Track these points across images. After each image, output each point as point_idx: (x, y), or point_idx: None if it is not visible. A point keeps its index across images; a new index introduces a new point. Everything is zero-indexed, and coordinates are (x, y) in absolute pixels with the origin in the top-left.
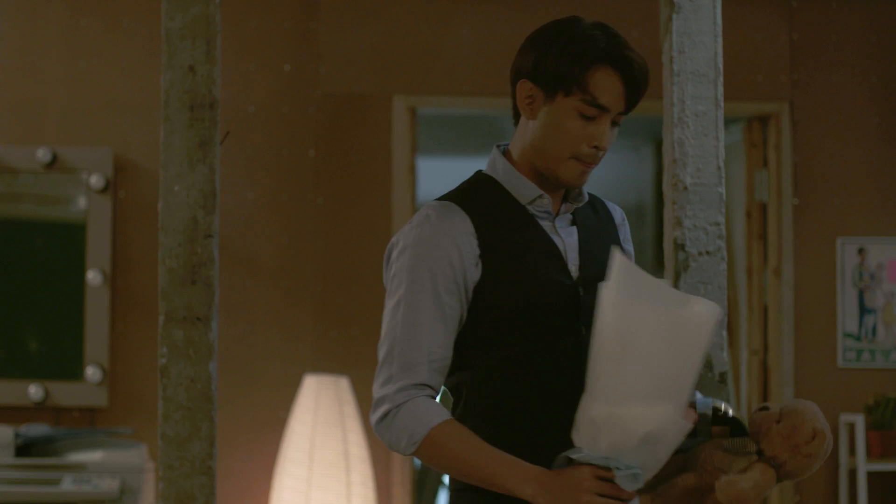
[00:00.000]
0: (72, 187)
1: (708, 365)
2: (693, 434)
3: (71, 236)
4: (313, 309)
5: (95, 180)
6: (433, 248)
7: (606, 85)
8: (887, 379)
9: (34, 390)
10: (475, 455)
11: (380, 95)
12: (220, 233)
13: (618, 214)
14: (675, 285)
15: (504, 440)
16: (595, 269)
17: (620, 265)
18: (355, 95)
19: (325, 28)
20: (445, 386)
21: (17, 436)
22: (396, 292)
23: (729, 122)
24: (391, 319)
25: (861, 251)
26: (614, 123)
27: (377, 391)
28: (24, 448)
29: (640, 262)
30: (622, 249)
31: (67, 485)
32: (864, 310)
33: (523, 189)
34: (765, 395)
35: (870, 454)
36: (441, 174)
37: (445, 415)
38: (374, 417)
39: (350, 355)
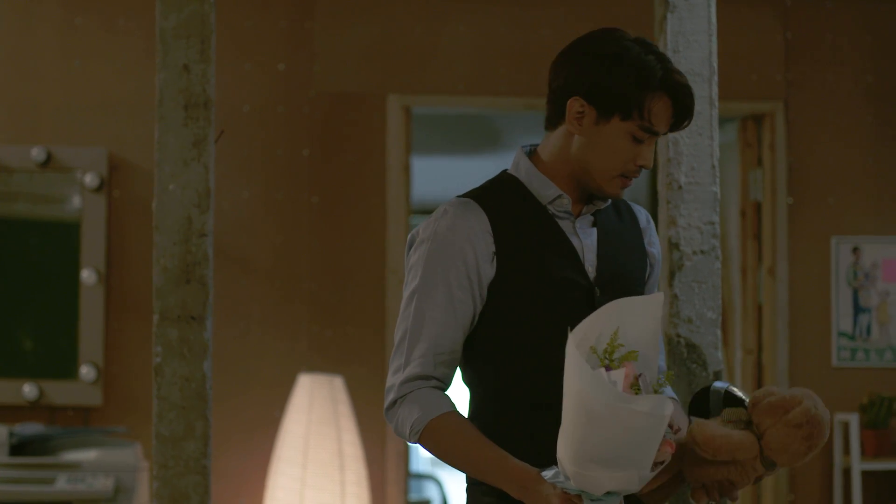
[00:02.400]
0: (66, 186)
1: (702, 364)
2: (706, 413)
3: (65, 235)
4: (308, 308)
5: (90, 179)
6: (448, 244)
7: (662, 112)
8: (881, 378)
9: (28, 389)
10: (470, 448)
11: (374, 94)
12: (214, 232)
13: (643, 217)
14: (670, 284)
15: (515, 437)
16: (613, 272)
17: (577, 366)
18: (350, 94)
19: (319, 27)
20: (463, 381)
21: (11, 435)
22: (411, 284)
23: (723, 121)
24: (404, 310)
25: (855, 250)
26: None
27: (388, 379)
28: (19, 447)
29: None
30: (645, 252)
31: (62, 484)
32: (858, 309)
33: (544, 189)
34: None
35: (864, 453)
36: (436, 173)
37: (447, 407)
38: (385, 405)
39: (344, 354)
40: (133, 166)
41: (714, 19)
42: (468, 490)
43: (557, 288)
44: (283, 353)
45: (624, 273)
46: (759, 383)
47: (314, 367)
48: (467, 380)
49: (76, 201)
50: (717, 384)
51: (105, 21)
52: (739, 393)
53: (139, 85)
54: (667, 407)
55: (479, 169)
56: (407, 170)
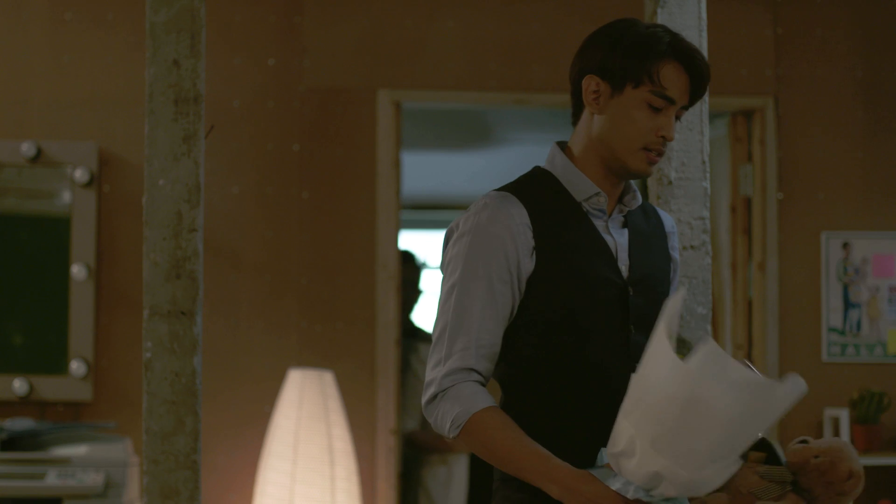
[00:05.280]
0: (56, 181)
1: None
2: None
3: (55, 230)
4: (298, 303)
5: (80, 174)
6: (489, 237)
7: (673, 78)
8: (871, 373)
9: (19, 384)
10: (511, 445)
11: (364, 89)
12: (204, 227)
13: (668, 223)
14: None
15: (548, 433)
16: (644, 272)
17: (710, 351)
18: (340, 89)
19: (309, 22)
20: (494, 377)
21: (1, 430)
22: (451, 278)
23: (713, 116)
24: (444, 304)
25: (845, 245)
26: (676, 117)
27: (428, 374)
28: (9, 442)
29: None
30: (669, 256)
31: (52, 479)
32: (848, 304)
33: (580, 185)
34: None
35: (855, 448)
36: (426, 169)
37: (489, 402)
38: (424, 399)
39: (335, 349)
40: (123, 161)
41: (704, 14)
42: (499, 485)
43: (594, 286)
44: (274, 348)
45: (654, 274)
46: None
47: (304, 363)
48: (499, 376)
49: (66, 196)
50: None
51: (94, 16)
52: (764, 437)
53: (129, 80)
54: (801, 384)
55: (470, 164)
56: (397, 165)
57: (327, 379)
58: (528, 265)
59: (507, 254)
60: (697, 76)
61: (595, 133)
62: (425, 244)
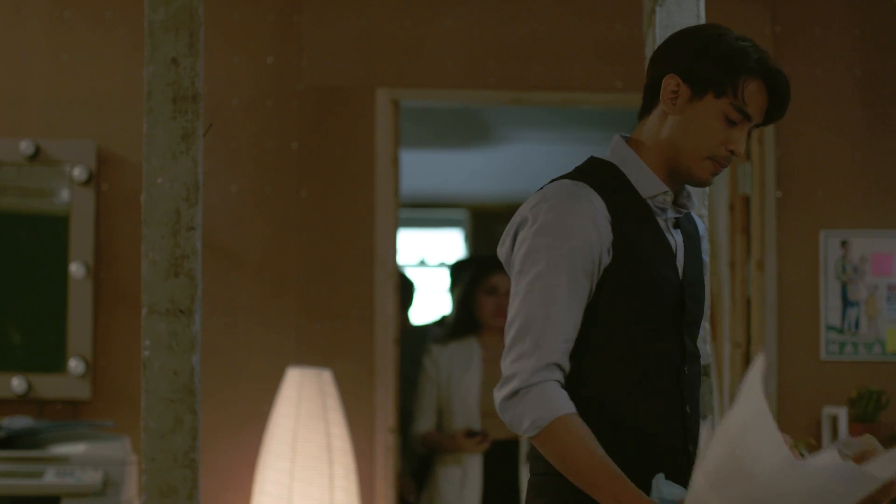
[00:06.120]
0: (55, 180)
1: None
2: None
3: (54, 229)
4: (296, 302)
5: (78, 173)
6: (573, 228)
7: (755, 95)
8: (870, 372)
9: (17, 383)
10: (585, 459)
11: (363, 88)
12: (203, 225)
13: (701, 227)
14: None
15: (600, 428)
16: (694, 274)
17: (843, 467)
18: (338, 88)
19: (308, 21)
20: None
21: (0, 428)
22: (531, 270)
23: None
24: (525, 297)
25: (844, 244)
26: (748, 134)
27: (507, 367)
28: (7, 441)
29: None
30: (702, 259)
31: (50, 477)
32: (846, 303)
33: (649, 182)
34: None
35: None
36: (424, 167)
37: (570, 408)
38: (502, 393)
39: (333, 348)
40: (122, 160)
41: (703, 13)
42: (538, 481)
43: (660, 284)
44: (272, 346)
45: (700, 276)
46: None
47: (303, 361)
48: None
49: (65, 195)
50: None
51: (93, 15)
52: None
53: (127, 78)
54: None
55: (468, 162)
56: (395, 163)
57: (326, 377)
58: (606, 258)
59: (591, 245)
60: (778, 98)
61: (665, 133)
62: (423, 242)
